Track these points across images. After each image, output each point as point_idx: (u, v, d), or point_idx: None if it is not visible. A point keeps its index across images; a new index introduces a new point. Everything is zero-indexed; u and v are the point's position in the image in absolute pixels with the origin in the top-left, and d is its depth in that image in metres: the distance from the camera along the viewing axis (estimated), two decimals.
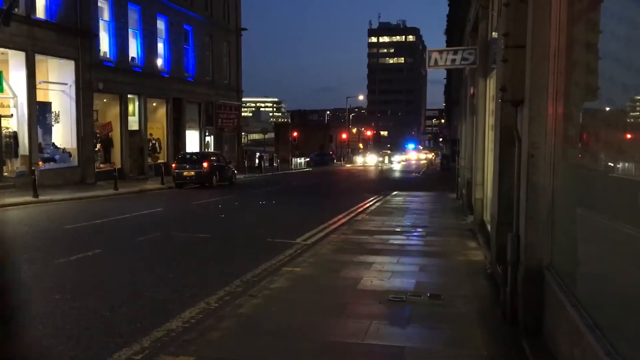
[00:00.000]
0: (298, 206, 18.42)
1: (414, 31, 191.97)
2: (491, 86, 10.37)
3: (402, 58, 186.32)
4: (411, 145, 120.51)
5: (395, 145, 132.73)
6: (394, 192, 22.62)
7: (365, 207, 17.52)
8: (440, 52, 11.45)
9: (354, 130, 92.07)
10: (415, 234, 11.45)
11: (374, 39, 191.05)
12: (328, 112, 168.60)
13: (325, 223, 13.28)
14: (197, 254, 9.41)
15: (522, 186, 4.97)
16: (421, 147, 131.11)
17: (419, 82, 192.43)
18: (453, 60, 11.33)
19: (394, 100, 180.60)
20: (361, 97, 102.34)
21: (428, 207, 17.40)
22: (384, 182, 33.54)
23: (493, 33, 10.26)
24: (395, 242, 10.21)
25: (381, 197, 20.99)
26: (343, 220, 14.00)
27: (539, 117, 4.71)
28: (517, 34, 4.96)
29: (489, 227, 9.99)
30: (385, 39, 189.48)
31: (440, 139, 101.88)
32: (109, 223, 13.13)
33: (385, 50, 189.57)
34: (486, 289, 6.71)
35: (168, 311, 5.89)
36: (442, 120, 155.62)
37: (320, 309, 5.86)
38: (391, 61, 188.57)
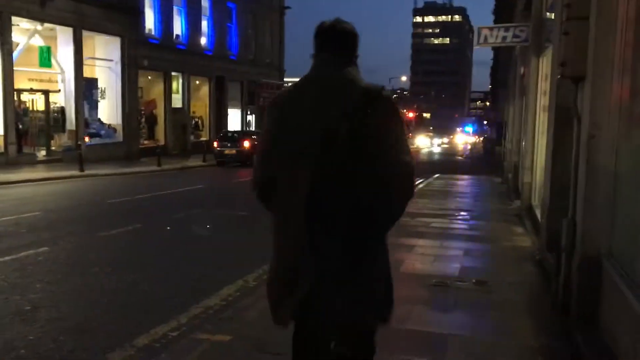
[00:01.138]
0: None
1: (461, 11, 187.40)
2: (544, 65, 9.89)
3: (448, 38, 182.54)
4: (469, 128, 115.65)
5: (439, 127, 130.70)
6: (436, 175, 22.17)
7: None
8: (491, 29, 10.97)
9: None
10: (459, 217, 11.12)
11: (418, 19, 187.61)
12: None
13: None
14: (235, 231, 9.37)
15: (580, 169, 4.64)
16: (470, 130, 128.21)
17: (464, 64, 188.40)
18: (504, 38, 10.84)
19: (438, 82, 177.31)
20: (404, 78, 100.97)
21: (472, 190, 16.97)
22: (426, 165, 33.01)
23: (547, 13, 9.74)
24: (438, 225, 9.92)
25: (422, 180, 20.60)
26: None
27: (602, 94, 4.36)
28: (580, 5, 4.59)
29: (537, 212, 9.60)
30: (431, 18, 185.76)
31: (485, 122, 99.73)
32: (151, 198, 13.25)
33: (430, 31, 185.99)
34: (535, 277, 6.40)
35: (206, 288, 5.82)
36: (487, 103, 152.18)
37: None
38: (436, 42, 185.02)
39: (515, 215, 11.20)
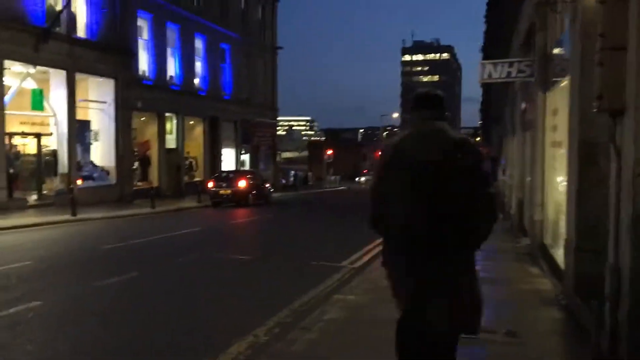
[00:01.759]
0: (338, 227, 17.79)
1: (449, 49, 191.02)
2: (552, 100, 9.66)
3: (437, 76, 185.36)
4: None
5: None
6: None
7: None
8: (495, 64, 10.79)
9: None
10: None
11: (407, 57, 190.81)
12: (361, 131, 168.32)
13: (369, 244, 12.62)
14: (238, 278, 8.89)
15: (623, 211, 4.27)
16: None
17: (453, 100, 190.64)
18: (509, 73, 10.66)
19: None
20: (395, 115, 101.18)
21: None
22: None
23: (554, 49, 9.56)
24: None
25: None
26: None
27: None
28: (615, 34, 4.31)
29: (552, 251, 9.22)
30: (419, 57, 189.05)
31: None
32: (146, 243, 12.75)
33: (419, 69, 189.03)
34: (565, 325, 5.96)
35: (212, 344, 5.34)
36: (477, 138, 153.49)
37: (383, 346, 5.22)
38: (425, 79, 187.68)
39: (526, 254, 10.80)
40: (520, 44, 14.24)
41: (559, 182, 8.97)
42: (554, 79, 9.47)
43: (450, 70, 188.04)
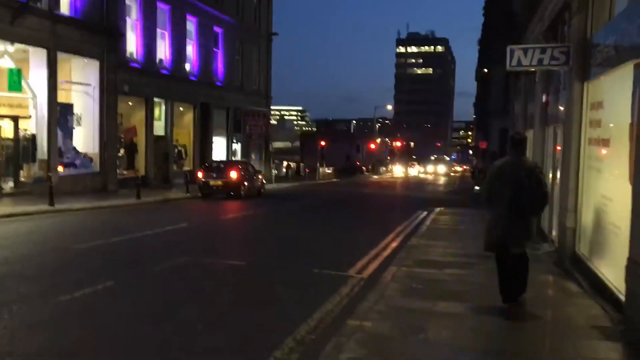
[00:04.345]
0: (337, 224, 16.55)
1: (443, 41, 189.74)
2: (596, 92, 8.43)
3: (431, 69, 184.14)
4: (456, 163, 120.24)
5: (422, 156, 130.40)
6: (438, 209, 20.61)
7: (413, 227, 15.61)
8: (525, 50, 9.51)
9: (378, 140, 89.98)
10: (493, 267, 9.47)
11: (402, 49, 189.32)
12: (354, 122, 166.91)
13: (375, 248, 11.42)
14: (230, 292, 7.61)
15: None
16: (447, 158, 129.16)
17: (446, 94, 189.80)
18: (540, 60, 9.38)
19: (421, 112, 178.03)
20: (390, 107, 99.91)
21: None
22: (422, 198, 31.53)
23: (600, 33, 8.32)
24: (475, 279, 8.28)
25: (425, 214, 19.06)
26: (394, 245, 12.12)
27: None
28: None
29: (591, 265, 8.02)
30: (414, 49, 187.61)
31: (471, 151, 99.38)
32: (127, 242, 11.41)
33: (414, 61, 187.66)
34: None
35: None
36: (470, 132, 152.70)
37: None
38: (419, 72, 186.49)
39: (553, 263, 9.61)
40: (542, 30, 13.01)
41: (604, 186, 7.78)
42: (598, 68, 8.25)
43: (444, 63, 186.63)
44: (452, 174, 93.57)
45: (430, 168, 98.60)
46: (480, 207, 23.17)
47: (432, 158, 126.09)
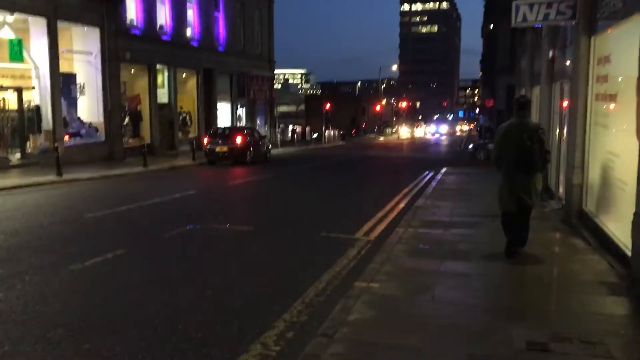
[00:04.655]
0: (344, 188, 16.60)
1: None
2: (603, 46, 8.28)
3: (436, 27, 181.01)
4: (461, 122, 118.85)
5: (428, 116, 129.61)
6: (444, 170, 20.57)
7: (419, 187, 15.64)
8: (531, 5, 9.31)
9: (383, 101, 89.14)
10: (499, 224, 9.49)
11: (406, 7, 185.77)
12: (359, 84, 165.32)
13: (381, 210, 11.49)
14: (241, 258, 7.69)
15: None
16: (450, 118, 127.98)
17: (452, 52, 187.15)
18: (546, 15, 9.19)
19: (426, 71, 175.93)
20: (395, 68, 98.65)
21: (492, 188, 15.36)
22: (428, 158, 31.45)
23: None
24: (481, 239, 8.32)
25: (432, 174, 19.05)
26: (401, 206, 12.19)
27: None
28: None
29: (598, 220, 8.03)
30: (418, 6, 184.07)
31: (477, 110, 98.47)
32: (136, 210, 11.51)
33: (418, 19, 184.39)
34: None
35: (211, 355, 4.19)
36: (477, 91, 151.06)
37: None
38: (424, 30, 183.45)
39: (560, 220, 9.62)
40: None
41: (611, 142, 7.72)
42: (605, 22, 8.08)
43: (449, 21, 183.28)
44: (458, 133, 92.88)
45: (430, 129, 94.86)
46: (480, 166, 23.00)
47: (434, 118, 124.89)
